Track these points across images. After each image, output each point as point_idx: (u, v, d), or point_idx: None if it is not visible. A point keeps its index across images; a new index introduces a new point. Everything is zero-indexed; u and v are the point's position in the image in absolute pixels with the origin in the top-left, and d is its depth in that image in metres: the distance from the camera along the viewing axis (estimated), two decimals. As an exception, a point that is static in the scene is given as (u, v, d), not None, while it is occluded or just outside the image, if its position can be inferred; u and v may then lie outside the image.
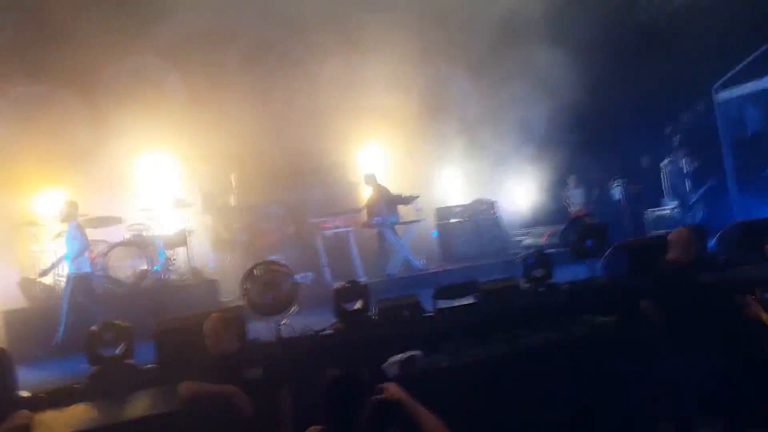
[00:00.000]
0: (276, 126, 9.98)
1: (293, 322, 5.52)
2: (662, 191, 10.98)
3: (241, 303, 5.83)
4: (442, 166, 11.68)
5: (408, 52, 10.53)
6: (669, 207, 10.57)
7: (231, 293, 7.87)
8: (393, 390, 2.62)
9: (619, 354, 4.70)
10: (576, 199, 11.34)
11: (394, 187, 9.84)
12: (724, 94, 10.94)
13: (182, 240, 8.54)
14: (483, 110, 11.05)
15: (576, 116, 10.85)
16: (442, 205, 10.79)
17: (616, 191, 11.26)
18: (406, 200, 9.69)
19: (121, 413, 4.14)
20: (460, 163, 11.61)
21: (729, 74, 10.83)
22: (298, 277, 6.47)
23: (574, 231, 6.74)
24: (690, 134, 11.03)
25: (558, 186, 11.64)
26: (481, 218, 10.45)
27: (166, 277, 8.18)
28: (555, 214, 11.37)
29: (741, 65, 10.72)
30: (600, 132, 11.38)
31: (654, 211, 10.69)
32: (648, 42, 11.96)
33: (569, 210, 11.24)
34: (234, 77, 10.33)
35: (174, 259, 8.59)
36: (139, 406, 4.28)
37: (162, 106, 9.34)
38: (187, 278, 8.34)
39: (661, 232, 8.83)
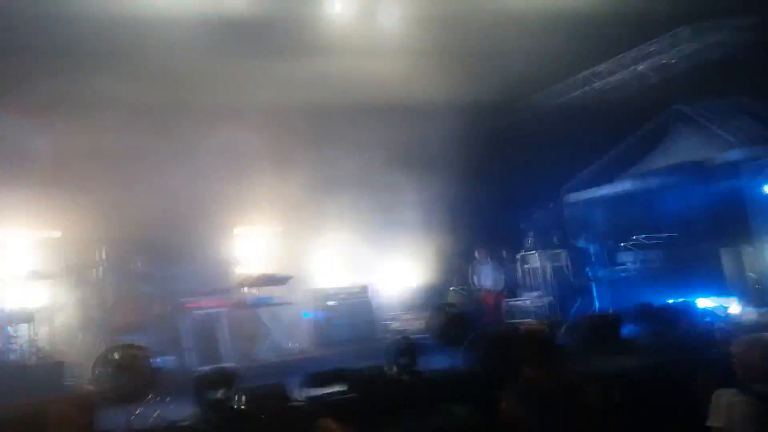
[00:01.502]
0: (150, 198, 9.68)
1: (149, 413, 5.19)
2: (519, 283, 11.86)
3: (91, 388, 5.41)
4: (318, 248, 11.80)
5: (288, 132, 10.85)
6: (526, 299, 11.39)
7: (79, 377, 7.23)
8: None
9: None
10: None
11: (269, 267, 9.79)
12: (572, 197, 12.26)
13: (27, 316, 7.79)
14: (358, 193, 11.46)
15: (447, 204, 11.63)
16: (316, 287, 10.83)
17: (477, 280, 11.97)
18: (280, 281, 9.64)
19: None
20: (337, 245, 11.82)
21: (576, 179, 12.20)
22: (158, 361, 6.14)
23: (439, 319, 7.06)
24: (542, 231, 12.14)
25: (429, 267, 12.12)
26: (354, 302, 10.61)
27: (5, 357, 7.37)
28: (425, 298, 11.80)
29: (586, 171, 12.16)
30: (467, 220, 12.20)
31: (511, 301, 11.43)
32: (510, 142, 13.32)
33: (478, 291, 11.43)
34: (106, 142, 9.99)
35: (16, 337, 7.78)
36: None
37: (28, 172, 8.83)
38: (30, 359, 7.56)
39: (520, 323, 9.52)
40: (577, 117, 13.07)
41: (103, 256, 9.15)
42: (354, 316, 10.45)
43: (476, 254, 11.54)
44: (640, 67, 12.12)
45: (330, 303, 10.48)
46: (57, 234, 9.30)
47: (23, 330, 7.89)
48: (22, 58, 9.22)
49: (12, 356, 7.51)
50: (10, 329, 7.70)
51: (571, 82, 13.27)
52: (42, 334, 8.02)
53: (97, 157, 9.61)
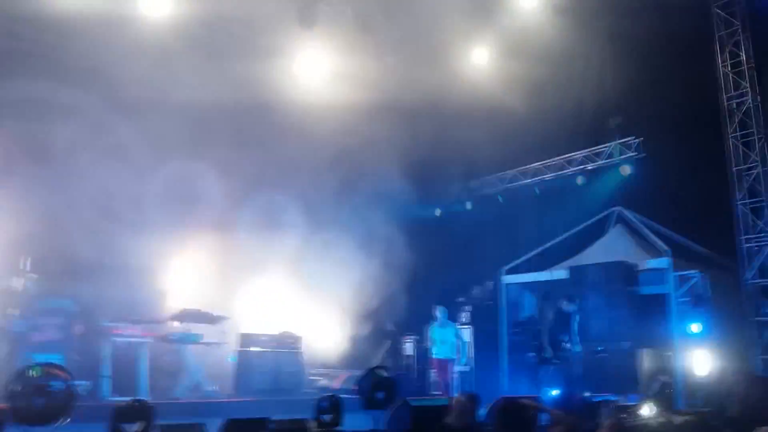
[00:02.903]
0: (85, 214, 9.50)
1: (58, 437, 5.00)
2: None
3: (1, 405, 5.16)
4: (257, 292, 11.73)
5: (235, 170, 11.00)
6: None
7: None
8: None
9: None
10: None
11: (204, 305, 9.64)
12: (509, 278, 12.71)
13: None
14: (304, 245, 11.61)
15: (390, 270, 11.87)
16: (247, 331, 10.66)
17: (408, 347, 12.11)
18: (214, 319, 9.49)
19: None
20: (276, 293, 11.80)
21: (515, 262, 12.69)
22: (74, 384, 5.91)
23: (368, 381, 7.11)
24: (478, 307, 12.46)
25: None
26: (284, 351, 10.47)
27: None
28: (354, 359, 11.82)
29: (525, 257, 12.68)
30: (407, 287, 12.45)
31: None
32: (458, 220, 13.88)
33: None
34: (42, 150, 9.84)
35: None
36: None
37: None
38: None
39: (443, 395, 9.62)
40: (526, 204, 13.86)
41: (28, 268, 8.80)
42: (281, 365, 10.29)
43: (437, 315, 10.79)
44: (589, 167, 13.04)
45: (259, 349, 10.31)
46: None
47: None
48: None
49: None
50: None
51: (522, 170, 14.10)
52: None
53: (40, 169, 9.45)
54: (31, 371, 5.16)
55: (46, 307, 8.47)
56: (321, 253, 11.60)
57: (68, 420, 5.13)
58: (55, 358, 6.93)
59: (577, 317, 10.11)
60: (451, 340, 10.65)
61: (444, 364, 10.64)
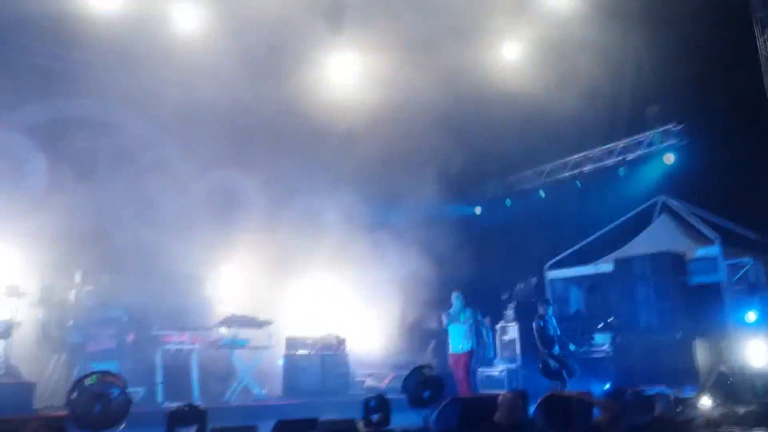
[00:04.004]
0: (131, 226, 9.80)
1: (117, 442, 5.16)
2: (494, 352, 11.92)
3: (59, 412, 5.37)
4: (301, 295, 11.85)
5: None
6: (498, 368, 11.43)
7: (48, 399, 7.13)
8: None
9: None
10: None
11: (250, 310, 9.81)
12: (553, 273, 12.52)
13: (5, 331, 7.72)
14: (349, 249, 11.68)
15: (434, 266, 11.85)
16: (294, 335, 10.80)
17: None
18: (260, 324, 9.64)
19: None
20: (322, 296, 11.91)
21: (558, 257, 12.49)
22: (129, 391, 6.10)
23: (414, 380, 7.11)
24: (523, 304, 12.30)
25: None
26: (329, 353, 10.56)
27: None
28: (400, 359, 11.80)
29: (568, 251, 12.47)
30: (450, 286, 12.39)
31: (485, 371, 11.45)
32: (499, 217, 13.75)
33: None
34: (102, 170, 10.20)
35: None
36: None
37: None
38: (1, 377, 7.44)
39: (493, 392, 9.51)
40: (567, 197, 13.62)
41: (80, 280, 9.12)
42: (327, 367, 10.38)
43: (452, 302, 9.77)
44: (630, 157, 12.73)
45: (306, 352, 10.43)
46: (38, 254, 9.26)
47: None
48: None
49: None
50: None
51: (562, 163, 13.85)
52: (15, 352, 7.91)
53: (89, 184, 9.79)
54: (88, 380, 5.34)
55: (99, 318, 8.77)
56: (364, 254, 11.63)
57: (124, 425, 5.28)
58: (110, 366, 7.15)
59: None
60: (463, 331, 9.52)
61: (457, 359, 9.47)
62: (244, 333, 9.54)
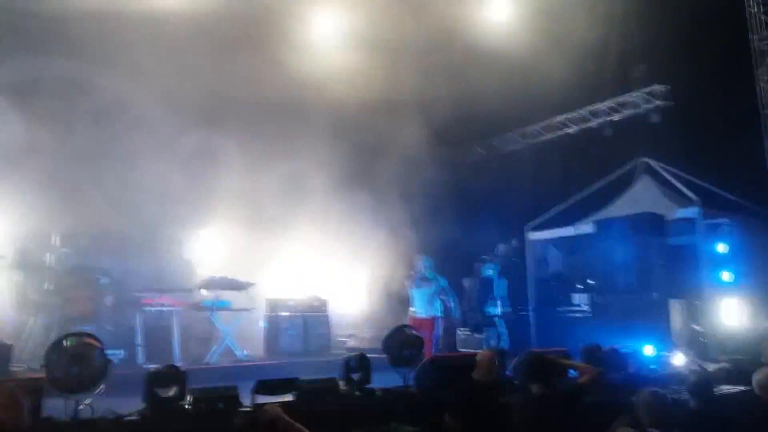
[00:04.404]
0: (114, 188, 9.64)
1: (96, 404, 5.13)
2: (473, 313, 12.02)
3: (36, 374, 5.33)
4: (282, 257, 11.82)
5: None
6: (476, 329, 11.55)
7: (25, 362, 7.09)
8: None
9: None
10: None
11: (231, 271, 9.76)
12: (534, 235, 12.59)
13: (-21, 295, 7.63)
14: (327, 207, 11.59)
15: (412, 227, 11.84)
16: (275, 297, 10.80)
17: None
18: (241, 286, 9.61)
19: None
20: (301, 257, 11.87)
21: (540, 219, 12.55)
22: (109, 353, 6.06)
23: (395, 339, 7.16)
24: (503, 265, 12.40)
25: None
26: (311, 315, 10.61)
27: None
28: (381, 319, 11.89)
29: (550, 213, 12.53)
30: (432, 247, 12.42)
31: (463, 330, 11.58)
32: (481, 176, 13.70)
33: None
34: (74, 131, 9.93)
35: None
36: None
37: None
38: (-24, 340, 7.37)
39: (470, 351, 9.67)
40: (549, 159, 13.61)
41: (59, 243, 8.99)
42: (309, 328, 10.45)
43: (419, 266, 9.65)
44: (614, 118, 12.70)
45: (287, 313, 10.46)
46: (14, 216, 9.09)
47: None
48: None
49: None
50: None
51: (545, 125, 13.80)
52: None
53: (66, 145, 9.54)
54: (66, 342, 5.28)
55: (77, 280, 8.67)
56: (346, 215, 11.56)
57: (104, 387, 5.26)
58: (88, 329, 7.10)
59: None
60: (426, 296, 9.44)
61: (419, 323, 9.07)
62: (225, 295, 9.51)
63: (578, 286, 11.61)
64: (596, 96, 12.96)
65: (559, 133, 13.57)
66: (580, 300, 11.31)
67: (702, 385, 5.51)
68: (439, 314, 9.67)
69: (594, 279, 11.41)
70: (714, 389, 5.80)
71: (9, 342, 7.38)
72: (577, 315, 11.19)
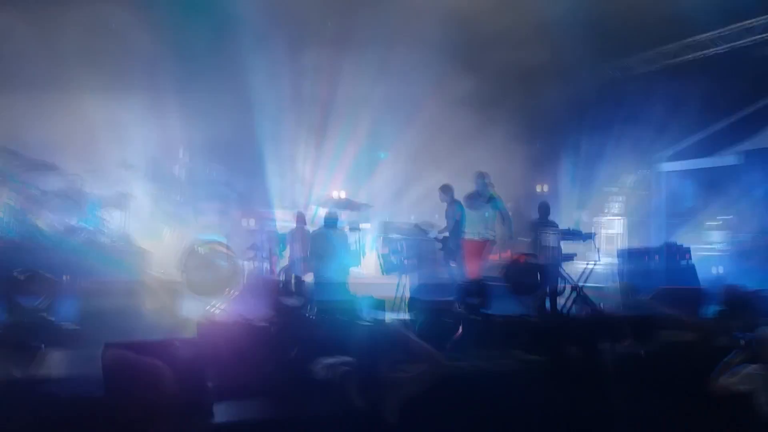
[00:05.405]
0: (239, 109, 9.85)
1: (227, 308, 5.40)
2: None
3: (175, 279, 5.65)
4: (396, 182, 11.72)
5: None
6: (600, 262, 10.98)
7: (162, 267, 7.58)
8: None
9: (543, 393, 4.83)
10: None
11: (352, 193, 9.87)
12: (668, 165, 11.57)
13: (121, 202, 8.18)
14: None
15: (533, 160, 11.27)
16: (388, 220, 10.78)
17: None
18: (358, 207, 9.70)
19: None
20: (414, 181, 11.74)
21: (675, 148, 11.48)
22: (238, 262, 6.34)
23: (515, 268, 6.93)
24: (630, 198, 11.60)
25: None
26: (423, 240, 10.51)
27: (97, 238, 7.78)
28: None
29: (685, 143, 11.42)
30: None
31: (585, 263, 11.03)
32: (610, 101, 12.63)
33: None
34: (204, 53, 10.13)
35: (108, 221, 8.20)
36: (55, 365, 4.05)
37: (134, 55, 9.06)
38: (120, 244, 7.97)
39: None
40: (686, 84, 12.21)
41: (186, 157, 9.40)
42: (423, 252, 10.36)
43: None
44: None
45: (397, 236, 10.43)
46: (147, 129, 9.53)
47: (115, 216, 8.29)
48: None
49: (103, 239, 7.89)
50: (103, 212, 8.06)
51: (687, 44, 12.33)
52: (131, 222, 8.41)
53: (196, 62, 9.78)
54: (199, 248, 5.54)
55: (206, 193, 9.11)
56: (460, 142, 11.16)
57: (235, 292, 5.50)
58: (219, 238, 7.44)
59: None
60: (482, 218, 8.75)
61: (472, 247, 8.61)
62: (342, 215, 9.64)
63: (715, 222, 10.63)
64: (753, 10, 11.29)
65: (707, 52, 12.03)
66: (717, 237, 10.39)
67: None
68: (492, 239, 8.84)
69: (734, 216, 10.40)
70: None
71: (148, 248, 7.95)
72: (713, 254, 10.31)
